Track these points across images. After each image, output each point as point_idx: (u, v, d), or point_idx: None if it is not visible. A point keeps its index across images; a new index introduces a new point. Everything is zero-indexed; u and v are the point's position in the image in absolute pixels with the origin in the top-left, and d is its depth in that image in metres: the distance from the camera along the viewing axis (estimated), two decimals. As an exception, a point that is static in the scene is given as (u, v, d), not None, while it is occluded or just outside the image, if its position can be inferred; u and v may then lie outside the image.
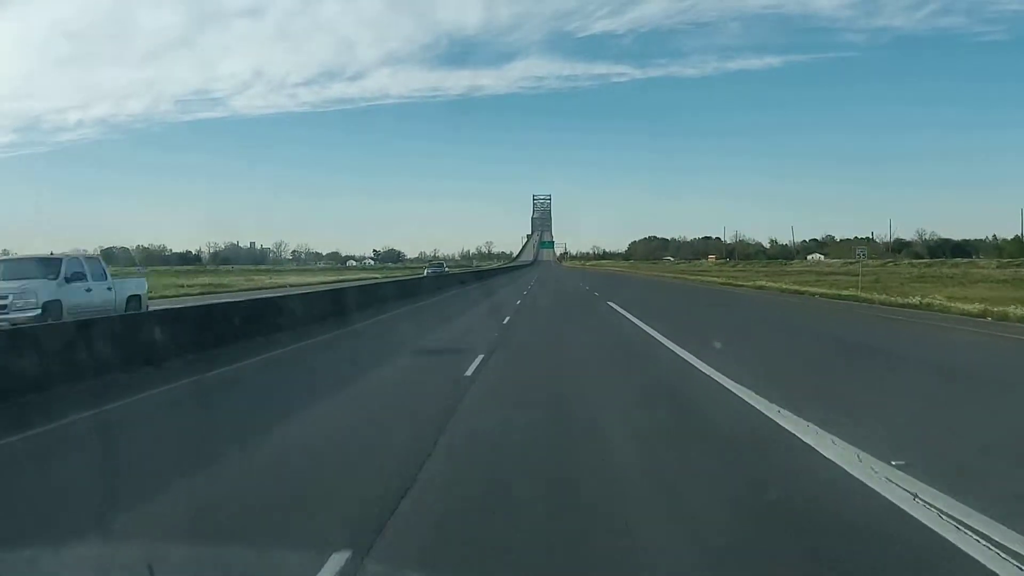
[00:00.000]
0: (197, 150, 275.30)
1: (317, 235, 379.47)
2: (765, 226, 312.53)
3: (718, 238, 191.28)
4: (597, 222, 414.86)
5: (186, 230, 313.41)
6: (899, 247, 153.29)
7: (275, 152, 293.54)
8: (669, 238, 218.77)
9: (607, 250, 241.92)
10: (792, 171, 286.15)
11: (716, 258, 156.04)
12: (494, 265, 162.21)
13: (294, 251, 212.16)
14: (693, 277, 72.74)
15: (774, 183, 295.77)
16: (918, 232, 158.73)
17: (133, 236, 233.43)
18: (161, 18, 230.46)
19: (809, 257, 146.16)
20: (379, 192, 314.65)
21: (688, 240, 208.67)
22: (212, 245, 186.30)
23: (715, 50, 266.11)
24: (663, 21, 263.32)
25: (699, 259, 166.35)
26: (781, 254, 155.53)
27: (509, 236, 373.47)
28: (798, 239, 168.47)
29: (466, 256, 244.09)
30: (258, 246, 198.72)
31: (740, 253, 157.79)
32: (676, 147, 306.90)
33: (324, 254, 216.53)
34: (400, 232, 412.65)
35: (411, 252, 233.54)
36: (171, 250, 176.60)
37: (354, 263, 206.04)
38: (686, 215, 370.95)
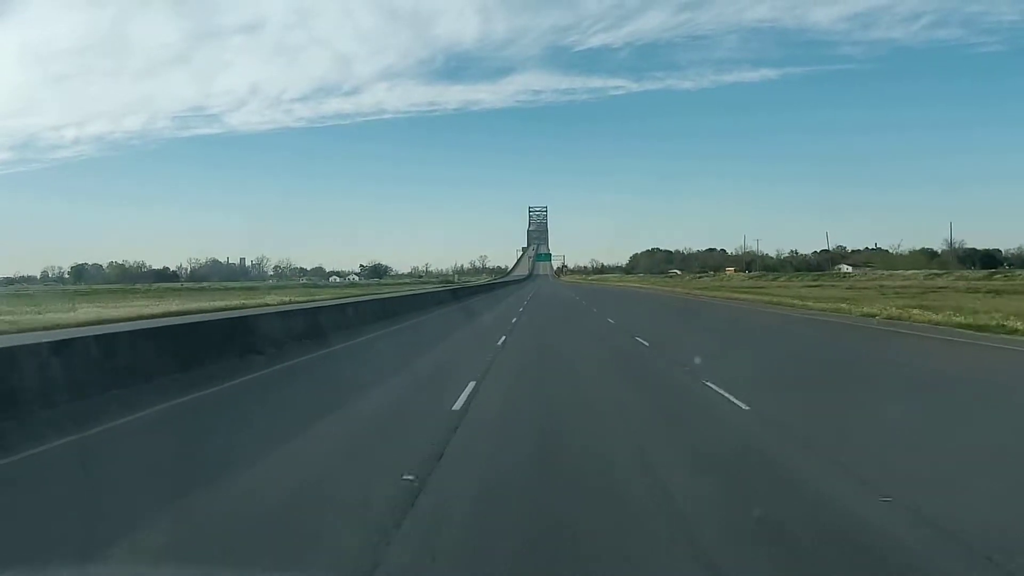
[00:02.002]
0: (192, 167, 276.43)
1: (309, 250, 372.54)
2: (769, 236, 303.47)
3: (723, 250, 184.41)
4: (595, 235, 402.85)
5: (173, 246, 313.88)
6: (927, 256, 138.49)
7: (269, 168, 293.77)
8: (673, 250, 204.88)
9: (606, 264, 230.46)
10: (794, 181, 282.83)
11: (736, 270, 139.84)
12: (481, 280, 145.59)
13: (276, 266, 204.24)
14: (774, 298, 44.93)
15: (776, 193, 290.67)
16: (945, 241, 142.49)
17: (117, 253, 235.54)
18: (158, 35, 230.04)
19: (836, 268, 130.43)
20: (372, 207, 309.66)
21: (693, 252, 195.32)
22: (192, 261, 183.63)
23: (712, 63, 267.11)
24: (660, 35, 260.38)
25: (708, 272, 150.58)
26: (804, 265, 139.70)
27: (505, 250, 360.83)
28: (808, 250, 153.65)
29: (460, 271, 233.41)
30: (246, 262, 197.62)
31: (760, 265, 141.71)
32: (676, 160, 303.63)
33: (308, 269, 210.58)
34: (392, 247, 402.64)
35: (403, 267, 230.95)
36: (149, 266, 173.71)
37: (337, 279, 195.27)
38: (686, 227, 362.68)
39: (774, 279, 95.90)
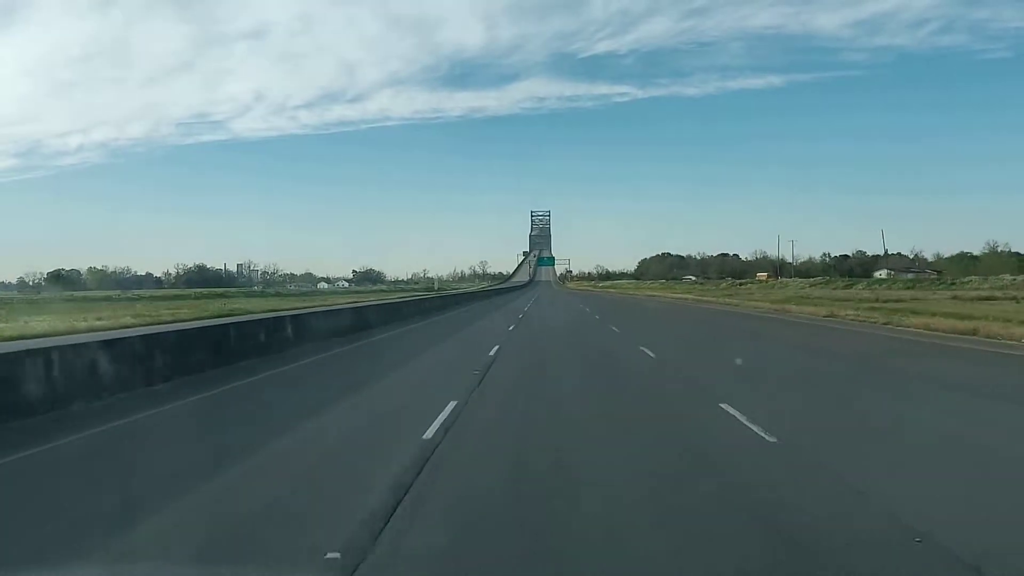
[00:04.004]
0: (196, 173, 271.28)
1: (305, 256, 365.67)
2: (772, 239, 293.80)
3: (736, 255, 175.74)
4: (600, 241, 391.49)
5: (160, 252, 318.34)
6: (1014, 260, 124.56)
7: (272, 174, 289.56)
8: (685, 255, 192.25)
9: (610, 269, 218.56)
10: (804, 186, 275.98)
11: (768, 276, 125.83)
12: (471, 287, 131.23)
13: (263, 272, 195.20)
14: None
15: (783, 197, 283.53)
16: (988, 244, 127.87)
17: (98, 258, 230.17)
18: (163, 42, 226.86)
19: (876, 274, 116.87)
20: (374, 212, 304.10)
21: (706, 257, 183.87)
22: (179, 267, 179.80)
23: (717, 69, 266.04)
24: (665, 41, 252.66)
25: (724, 278, 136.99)
26: (843, 268, 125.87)
27: (507, 256, 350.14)
28: (815, 255, 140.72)
29: (460, 276, 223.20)
30: (242, 269, 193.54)
31: (792, 270, 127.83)
32: (681, 165, 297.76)
33: (297, 275, 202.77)
34: (393, 253, 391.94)
35: (404, 274, 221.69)
36: (133, 272, 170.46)
37: (325, 285, 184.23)
38: (693, 233, 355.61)
39: (846, 286, 79.62)
